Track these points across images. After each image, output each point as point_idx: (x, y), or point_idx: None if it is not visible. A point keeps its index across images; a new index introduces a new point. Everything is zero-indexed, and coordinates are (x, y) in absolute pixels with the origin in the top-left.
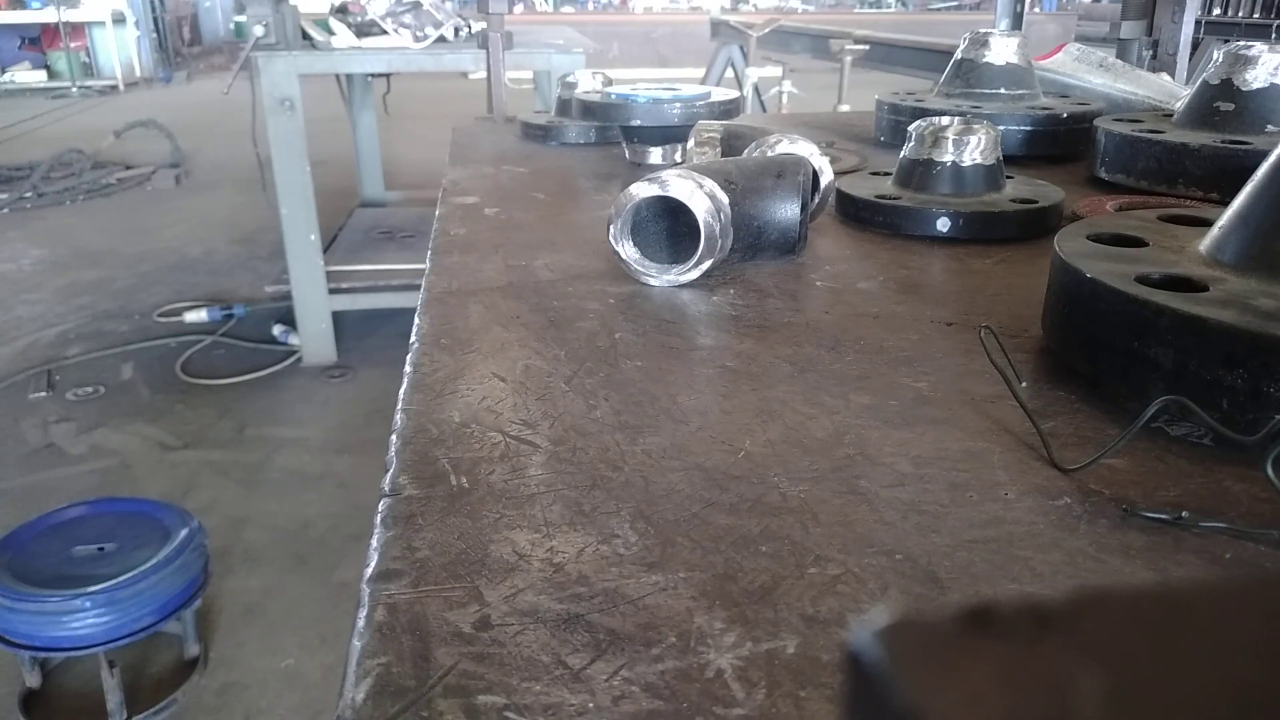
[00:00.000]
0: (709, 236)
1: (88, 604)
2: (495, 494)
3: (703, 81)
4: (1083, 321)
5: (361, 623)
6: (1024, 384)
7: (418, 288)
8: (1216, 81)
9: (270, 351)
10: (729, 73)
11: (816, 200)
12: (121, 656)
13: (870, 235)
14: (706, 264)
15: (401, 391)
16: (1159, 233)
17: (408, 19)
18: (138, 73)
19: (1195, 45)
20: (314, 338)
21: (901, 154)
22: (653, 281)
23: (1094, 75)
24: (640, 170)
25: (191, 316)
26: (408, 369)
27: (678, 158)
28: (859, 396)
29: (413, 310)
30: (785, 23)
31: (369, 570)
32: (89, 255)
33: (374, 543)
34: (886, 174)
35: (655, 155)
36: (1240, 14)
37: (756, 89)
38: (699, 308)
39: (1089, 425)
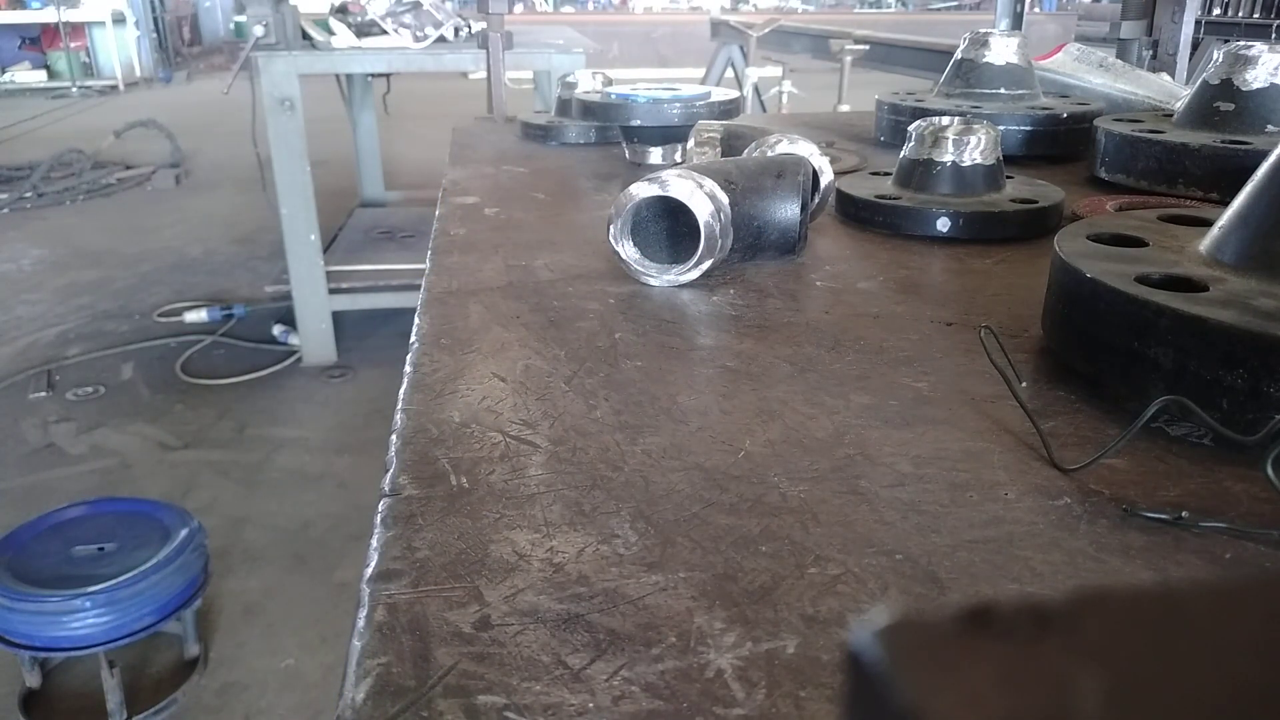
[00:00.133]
0: (709, 236)
1: (88, 604)
2: (495, 494)
3: (703, 81)
4: (1083, 321)
5: (361, 623)
6: (1024, 384)
7: (418, 288)
8: (1216, 81)
9: (270, 351)
10: (729, 73)
11: (816, 200)
12: (121, 656)
13: (870, 235)
14: (706, 264)
15: (401, 391)
16: (1159, 233)
17: (408, 19)
18: (138, 73)
19: (1195, 45)
20: (314, 338)
21: (901, 154)
22: (653, 281)
23: (1094, 75)
24: (640, 170)
25: (191, 316)
26: (408, 369)
27: (678, 158)
28: (859, 396)
29: (413, 310)
30: (785, 23)
31: (369, 570)
32: (89, 255)
33: (374, 543)
34: (886, 174)
35: (655, 155)
36: (1240, 14)
37: (756, 89)
38: (699, 308)
39: (1089, 425)
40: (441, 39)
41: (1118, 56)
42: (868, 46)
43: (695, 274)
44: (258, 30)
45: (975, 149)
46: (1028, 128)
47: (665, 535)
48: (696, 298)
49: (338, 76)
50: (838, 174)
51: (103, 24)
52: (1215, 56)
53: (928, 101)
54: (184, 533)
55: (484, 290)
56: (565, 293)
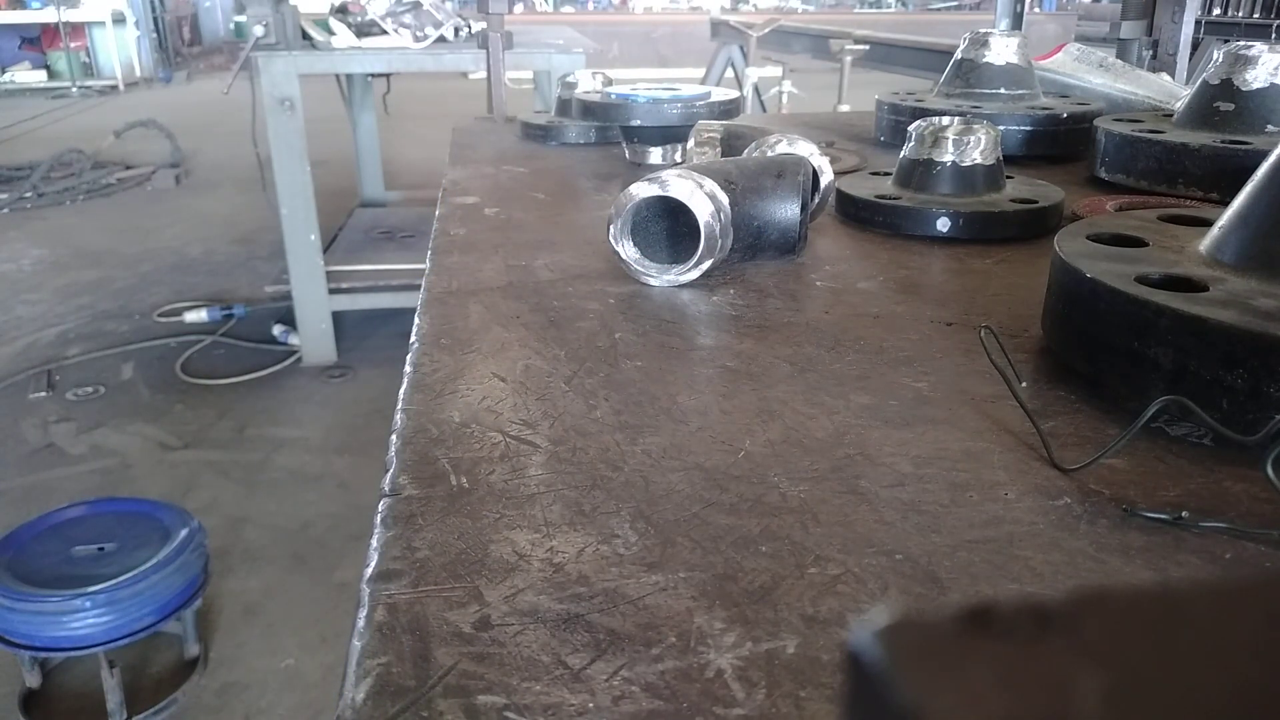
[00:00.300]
0: (709, 236)
1: (88, 604)
2: (495, 494)
3: (703, 81)
4: (1083, 321)
5: (361, 623)
6: (1024, 384)
7: (418, 288)
8: (1216, 81)
9: (270, 351)
10: (729, 73)
11: (816, 200)
12: (121, 656)
13: (870, 235)
14: (706, 264)
15: (401, 391)
16: (1159, 233)
17: (408, 19)
18: (138, 73)
19: (1195, 45)
20: (314, 338)
21: (901, 154)
22: (653, 281)
23: (1094, 75)
24: (640, 170)
25: (191, 316)
26: (408, 369)
27: (678, 158)
28: (859, 396)
29: (413, 310)
30: (785, 23)
31: (369, 570)
32: (89, 255)
33: (374, 543)
34: (886, 174)
35: (655, 155)
36: (1240, 14)
37: (756, 89)
38: (699, 308)
39: (1089, 425)
40: (441, 39)
41: (1118, 56)
42: (868, 46)
43: (695, 274)
44: (258, 30)
45: (975, 149)
46: (1028, 128)
47: (665, 535)
48: (696, 298)
49: (338, 76)
50: (838, 174)
51: (103, 24)
52: (1215, 56)
53: (928, 101)
54: (184, 533)
55: (484, 290)
56: (565, 293)
